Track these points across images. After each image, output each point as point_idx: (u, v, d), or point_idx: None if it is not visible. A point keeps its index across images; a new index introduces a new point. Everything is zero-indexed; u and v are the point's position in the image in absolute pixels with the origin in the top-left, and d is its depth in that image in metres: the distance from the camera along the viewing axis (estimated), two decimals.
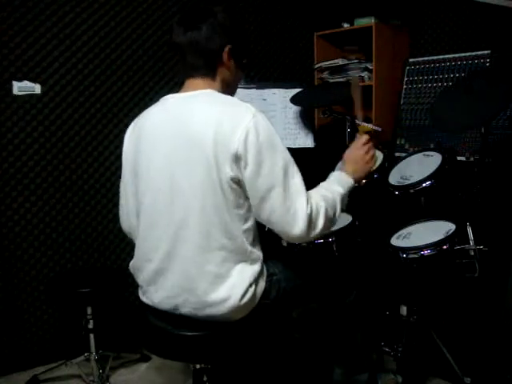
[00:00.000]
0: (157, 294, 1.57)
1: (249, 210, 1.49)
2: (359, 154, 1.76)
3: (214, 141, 1.41)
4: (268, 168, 1.43)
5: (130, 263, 1.68)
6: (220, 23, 1.54)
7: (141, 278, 1.63)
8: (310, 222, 1.46)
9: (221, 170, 1.42)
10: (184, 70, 1.58)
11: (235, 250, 1.48)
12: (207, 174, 1.43)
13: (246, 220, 1.49)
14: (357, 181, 1.70)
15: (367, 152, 1.77)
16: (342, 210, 1.60)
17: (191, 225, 1.46)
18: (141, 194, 1.58)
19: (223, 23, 1.55)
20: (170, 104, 1.58)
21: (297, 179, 1.47)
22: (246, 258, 1.51)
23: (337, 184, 1.63)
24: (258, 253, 1.54)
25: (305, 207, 1.45)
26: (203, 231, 1.46)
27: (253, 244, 1.52)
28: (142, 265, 1.60)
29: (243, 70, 1.68)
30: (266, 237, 1.63)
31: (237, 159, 1.41)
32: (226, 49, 1.55)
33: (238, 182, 1.44)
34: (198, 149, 1.44)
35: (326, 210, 1.50)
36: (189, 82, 1.58)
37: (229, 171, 1.42)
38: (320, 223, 1.49)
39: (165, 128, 1.52)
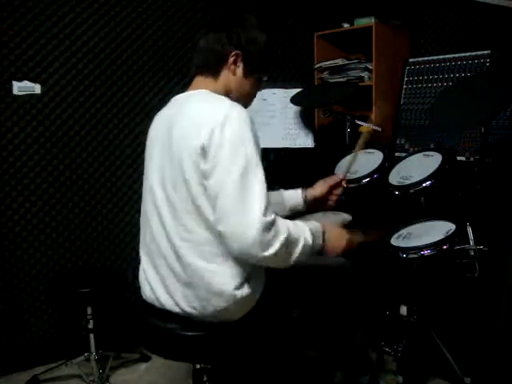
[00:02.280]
0: (156, 290, 1.58)
1: None
2: (340, 234, 1.66)
3: (189, 139, 1.44)
4: (223, 168, 1.39)
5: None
6: (238, 28, 1.60)
7: (142, 277, 1.65)
8: (264, 236, 1.36)
9: (197, 166, 1.43)
10: (192, 67, 1.65)
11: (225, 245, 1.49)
12: (187, 171, 1.45)
13: None
14: (324, 250, 1.58)
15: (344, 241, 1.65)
16: (298, 260, 1.47)
17: (184, 222, 1.48)
18: (145, 193, 1.64)
19: (241, 29, 1.60)
20: (168, 105, 1.65)
21: (257, 187, 1.39)
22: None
23: (309, 232, 1.51)
24: None
25: (259, 216, 1.35)
26: (194, 228, 1.47)
27: None
28: (144, 263, 1.63)
29: (258, 83, 1.68)
30: None
31: (203, 155, 1.41)
32: (233, 53, 1.58)
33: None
34: (176, 149, 1.48)
35: (286, 239, 1.41)
36: (194, 80, 1.65)
37: (202, 166, 1.42)
38: (275, 245, 1.38)
39: (159, 130, 1.60)
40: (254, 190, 1.38)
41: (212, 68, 1.60)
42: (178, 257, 1.51)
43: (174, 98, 1.65)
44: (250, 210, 1.36)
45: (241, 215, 1.37)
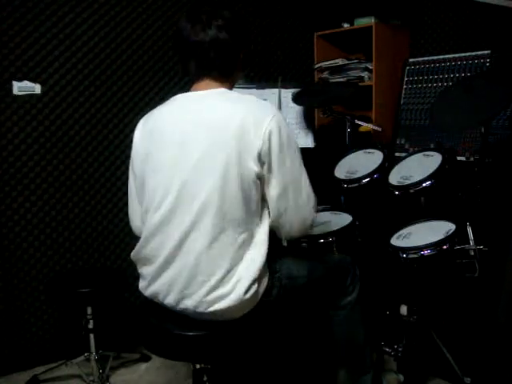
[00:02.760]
0: (162, 286, 1.56)
1: (262, 207, 1.55)
2: None
3: (237, 138, 1.44)
4: (288, 165, 1.51)
5: (134, 255, 1.65)
6: (240, 26, 1.59)
7: (147, 270, 1.61)
8: (312, 223, 1.61)
9: (244, 167, 1.45)
10: (197, 69, 1.57)
11: (244, 247, 1.50)
12: (227, 170, 1.45)
13: (260, 217, 1.54)
14: None
15: None
16: None
17: (207, 219, 1.47)
18: (152, 191, 1.56)
19: (242, 27, 1.60)
20: (185, 102, 1.58)
21: (307, 177, 1.59)
22: (253, 255, 1.52)
23: None
24: (263, 250, 1.55)
25: (315, 208, 1.60)
26: (218, 227, 1.47)
27: (260, 242, 1.54)
28: (151, 259, 1.58)
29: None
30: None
31: (260, 157, 1.46)
32: (244, 51, 1.60)
33: (260, 178, 1.49)
34: (218, 146, 1.46)
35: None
36: (200, 82, 1.58)
37: (253, 167, 1.46)
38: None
39: (182, 126, 1.52)
40: (309, 185, 1.59)
41: (228, 68, 1.58)
42: (191, 255, 1.49)
43: (177, 96, 1.60)
44: (311, 202, 1.59)
45: (305, 207, 1.58)
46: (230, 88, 1.61)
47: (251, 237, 1.52)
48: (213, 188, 1.46)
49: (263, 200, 1.54)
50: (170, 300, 1.56)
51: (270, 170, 1.49)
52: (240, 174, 1.45)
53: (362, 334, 1.85)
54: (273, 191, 1.52)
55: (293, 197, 1.54)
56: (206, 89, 1.56)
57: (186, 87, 1.64)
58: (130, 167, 1.68)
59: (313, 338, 2.11)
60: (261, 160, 1.47)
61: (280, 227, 1.59)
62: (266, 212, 1.56)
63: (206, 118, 1.50)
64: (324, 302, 1.83)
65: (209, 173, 1.46)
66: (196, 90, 1.58)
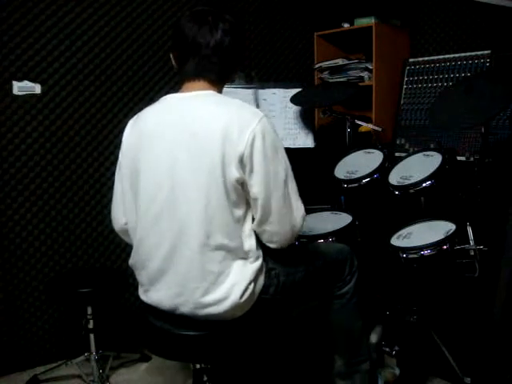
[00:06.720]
0: (158, 293, 1.57)
1: (248, 210, 1.52)
2: None
3: (221, 141, 1.43)
4: (272, 172, 1.47)
5: (130, 261, 1.67)
6: (241, 31, 1.59)
7: (142, 277, 1.62)
8: (298, 233, 1.59)
9: (226, 171, 1.44)
10: (196, 70, 1.55)
11: (235, 249, 1.50)
12: (212, 173, 1.44)
13: (245, 220, 1.52)
14: None
15: None
16: None
17: (193, 224, 1.47)
18: (141, 192, 1.56)
19: (243, 32, 1.61)
20: (173, 103, 1.57)
21: (295, 186, 1.55)
22: (246, 256, 1.52)
23: None
24: (257, 251, 1.55)
25: (301, 219, 1.55)
26: (205, 231, 1.46)
27: (252, 243, 1.53)
28: (143, 264, 1.59)
29: None
30: None
31: (242, 162, 1.44)
32: (241, 56, 1.61)
33: (241, 184, 1.47)
34: (203, 148, 1.45)
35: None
36: (194, 82, 1.57)
37: (235, 172, 1.44)
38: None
39: (169, 126, 1.52)
40: (296, 195, 1.55)
41: (228, 73, 1.60)
42: (181, 264, 1.50)
43: (166, 97, 1.59)
44: (296, 212, 1.54)
45: (289, 217, 1.53)
46: (220, 91, 1.60)
47: (241, 241, 1.51)
48: (198, 192, 1.45)
49: (247, 204, 1.52)
50: (166, 307, 1.56)
51: (251, 174, 1.46)
52: (224, 178, 1.44)
53: (358, 323, 1.86)
54: (254, 197, 1.48)
55: (276, 205, 1.49)
56: (197, 90, 1.55)
57: None
58: (118, 168, 1.67)
59: (310, 326, 2.11)
60: (242, 164, 1.44)
61: (261, 234, 1.55)
62: (251, 216, 1.54)
63: (191, 121, 1.49)
64: (322, 292, 1.83)
65: (194, 177, 1.46)
66: (187, 89, 1.57)
